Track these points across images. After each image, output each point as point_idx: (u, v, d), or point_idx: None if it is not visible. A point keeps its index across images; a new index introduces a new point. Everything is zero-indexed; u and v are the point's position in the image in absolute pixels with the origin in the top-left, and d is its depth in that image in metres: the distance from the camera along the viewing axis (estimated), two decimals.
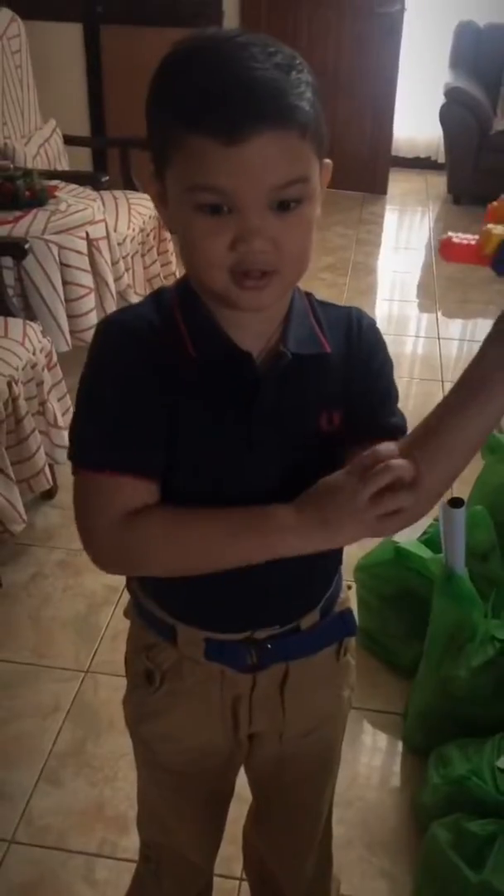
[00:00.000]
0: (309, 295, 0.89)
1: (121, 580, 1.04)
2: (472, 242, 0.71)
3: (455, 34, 5.14)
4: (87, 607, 2.09)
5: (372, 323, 0.91)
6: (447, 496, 1.44)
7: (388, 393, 0.90)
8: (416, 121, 5.57)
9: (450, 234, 0.71)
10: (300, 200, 0.73)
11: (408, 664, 1.83)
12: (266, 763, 1.07)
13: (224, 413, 0.83)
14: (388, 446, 0.74)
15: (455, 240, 0.71)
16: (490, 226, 0.71)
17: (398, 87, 5.00)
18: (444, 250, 0.72)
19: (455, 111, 4.83)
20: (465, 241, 0.71)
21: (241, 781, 1.14)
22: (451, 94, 4.83)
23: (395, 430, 0.87)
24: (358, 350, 0.88)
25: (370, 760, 1.78)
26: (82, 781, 1.68)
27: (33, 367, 2.14)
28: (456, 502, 1.49)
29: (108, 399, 0.81)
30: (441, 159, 5.50)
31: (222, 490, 0.82)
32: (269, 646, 0.95)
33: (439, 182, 5.39)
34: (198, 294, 0.82)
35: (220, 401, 0.82)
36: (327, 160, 0.79)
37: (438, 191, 5.36)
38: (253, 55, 0.70)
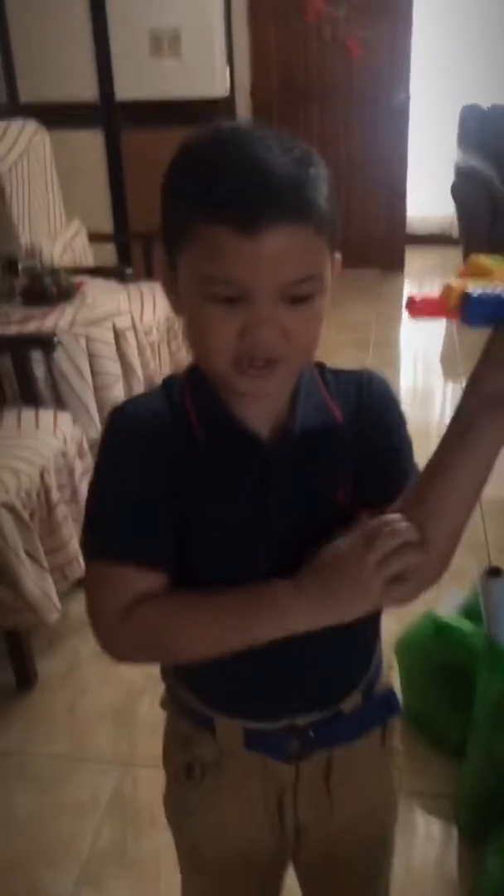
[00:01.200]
0: (320, 365, 0.89)
1: (158, 668, 1.03)
2: (437, 297, 0.72)
3: (461, 116, 5.31)
4: (125, 697, 2.06)
5: (382, 381, 0.90)
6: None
7: (401, 451, 0.88)
8: (428, 199, 5.72)
9: (412, 293, 0.72)
10: (312, 295, 0.74)
11: (456, 743, 1.77)
12: (315, 858, 1.02)
13: (236, 496, 0.82)
14: (392, 514, 0.73)
15: (418, 297, 0.72)
16: (451, 280, 0.72)
17: (409, 169, 5.15)
18: (410, 308, 0.73)
19: (466, 187, 4.95)
20: (428, 297, 0.72)
21: (291, 879, 1.10)
22: (462, 172, 4.96)
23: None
24: (368, 410, 0.87)
25: (423, 849, 1.70)
26: (124, 883, 1.62)
27: (64, 455, 2.17)
28: (495, 572, 1.46)
29: (115, 489, 0.82)
30: (455, 234, 5.61)
31: (238, 572, 0.80)
32: (311, 733, 0.92)
33: (455, 256, 5.48)
34: (206, 377, 0.83)
35: (231, 484, 0.82)
36: (338, 254, 0.80)
37: (455, 264, 5.44)
38: (270, 148, 0.71)
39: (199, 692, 0.94)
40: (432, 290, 0.73)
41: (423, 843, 1.71)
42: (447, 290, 0.71)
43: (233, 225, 0.69)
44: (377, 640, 0.98)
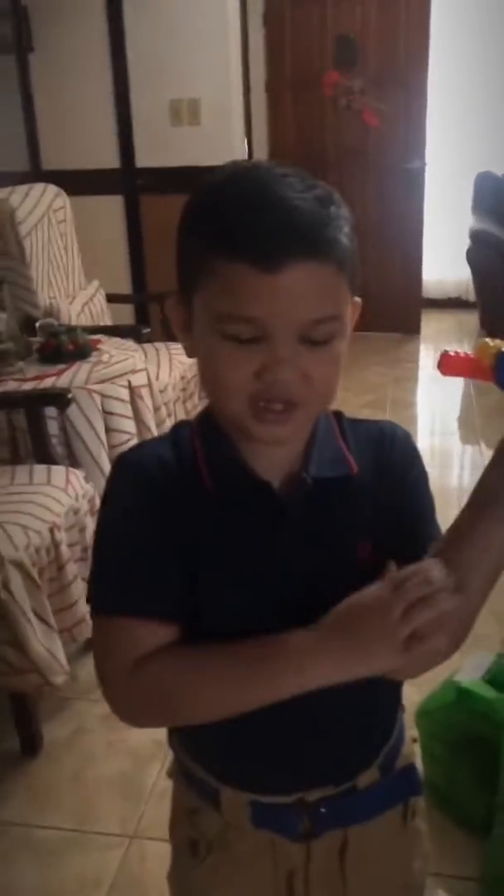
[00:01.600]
0: (338, 413, 0.85)
1: (166, 735, 0.97)
2: (471, 355, 0.69)
3: (476, 183, 5.40)
4: (133, 765, 1.97)
5: (405, 434, 0.86)
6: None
7: (424, 510, 0.84)
8: (443, 264, 5.78)
9: (446, 349, 0.70)
10: (332, 338, 0.71)
11: (481, 820, 1.67)
12: None
13: (247, 547, 0.78)
14: (428, 561, 0.69)
15: (452, 353, 0.69)
16: (487, 339, 0.70)
17: (425, 234, 5.22)
18: (443, 364, 0.70)
19: (481, 251, 4.99)
20: (462, 354, 0.70)
21: None
22: (477, 237, 5.02)
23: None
24: (389, 465, 0.83)
25: None
26: None
27: (76, 512, 2.13)
28: None
29: (121, 542, 0.78)
30: (471, 298, 5.65)
31: (248, 626, 0.75)
32: (323, 809, 0.85)
33: (471, 319, 5.51)
34: (218, 424, 0.79)
35: (242, 534, 0.78)
36: (357, 298, 0.77)
37: (471, 327, 5.46)
38: (292, 185, 0.69)
39: (204, 761, 0.88)
40: (464, 349, 0.71)
41: None
42: (483, 347, 0.68)
43: (252, 261, 0.66)
44: (398, 710, 0.92)
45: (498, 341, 0.69)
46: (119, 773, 1.96)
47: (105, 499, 0.81)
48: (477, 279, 5.19)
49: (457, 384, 4.63)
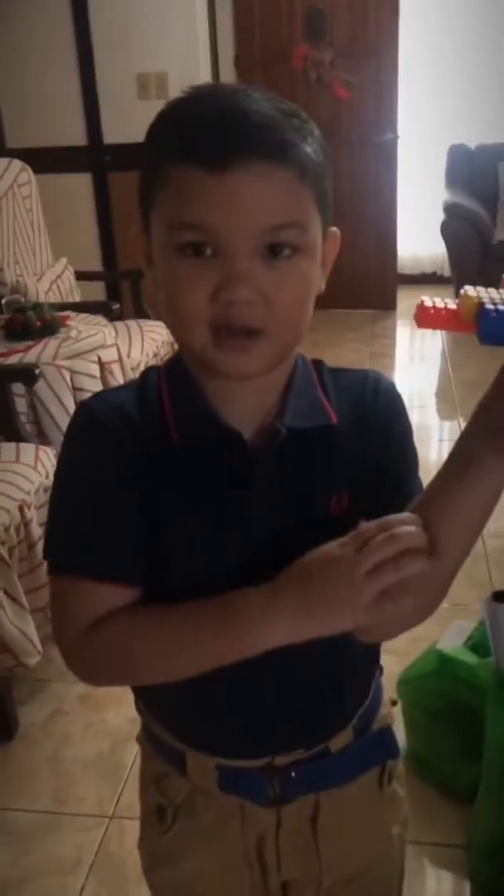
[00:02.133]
0: (318, 362, 0.80)
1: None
2: (450, 307, 0.63)
3: (448, 156, 5.36)
4: (111, 745, 1.94)
5: (390, 385, 0.81)
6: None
7: (408, 466, 0.79)
8: (418, 239, 5.73)
9: (423, 298, 0.64)
10: (295, 248, 0.66)
11: (466, 788, 1.64)
12: None
13: (215, 501, 0.73)
14: (400, 515, 0.64)
15: (428, 303, 0.63)
16: (468, 287, 0.65)
17: (399, 209, 5.17)
18: (421, 316, 0.64)
19: (456, 225, 4.95)
20: (441, 306, 0.64)
21: None
22: (451, 210, 4.98)
23: None
24: (373, 416, 0.77)
25: None
26: None
27: (46, 490, 2.08)
28: (500, 596, 1.36)
29: (78, 499, 0.74)
30: (446, 273, 5.61)
31: (216, 584, 0.70)
32: (293, 773, 0.81)
33: (446, 295, 5.44)
34: (186, 368, 0.74)
35: (209, 487, 0.73)
36: (335, 228, 0.73)
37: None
38: (254, 97, 0.65)
39: (170, 724, 0.84)
40: (445, 300, 0.65)
41: None
42: (465, 299, 0.63)
43: (201, 162, 0.62)
44: (375, 669, 0.88)
45: (480, 290, 0.65)
46: (97, 754, 1.92)
47: (64, 448, 0.76)
48: (452, 254, 5.15)
49: (434, 359, 4.61)
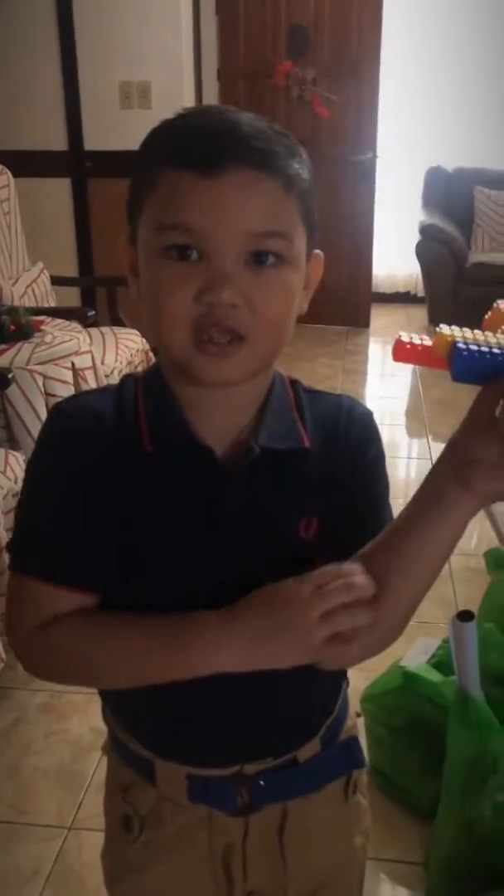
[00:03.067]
0: (295, 383, 0.81)
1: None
2: (426, 343, 0.65)
3: (426, 178, 5.43)
4: (72, 754, 1.92)
5: (365, 413, 0.81)
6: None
7: (377, 496, 0.80)
8: (393, 258, 5.79)
9: (401, 334, 0.66)
10: (280, 258, 0.67)
11: (426, 805, 1.66)
12: None
13: (185, 516, 0.73)
14: (352, 565, 0.66)
15: (405, 338, 0.66)
16: (443, 326, 0.67)
17: (375, 228, 5.22)
18: (398, 350, 0.66)
19: (431, 247, 5.02)
20: (417, 342, 0.66)
21: None
22: (427, 232, 5.04)
23: None
24: (345, 443, 0.78)
25: None
26: None
27: (14, 496, 2.06)
28: (465, 615, 1.38)
29: (45, 502, 0.74)
30: (420, 293, 5.68)
31: (194, 597, 0.71)
32: (262, 782, 0.81)
33: (420, 314, 5.54)
34: (164, 379, 0.74)
35: (180, 501, 0.73)
36: (318, 251, 0.74)
37: (420, 322, 5.49)
38: (243, 114, 0.67)
39: (138, 733, 0.84)
40: (421, 336, 0.67)
41: None
42: (440, 337, 0.65)
43: (190, 166, 0.64)
44: (342, 681, 0.89)
45: (454, 329, 0.66)
46: (58, 763, 1.90)
47: (36, 448, 0.76)
48: (426, 274, 5.22)
49: (405, 377, 4.65)
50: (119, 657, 0.72)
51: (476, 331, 0.67)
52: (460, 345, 0.63)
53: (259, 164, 0.64)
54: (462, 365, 0.63)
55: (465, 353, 0.63)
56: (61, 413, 0.75)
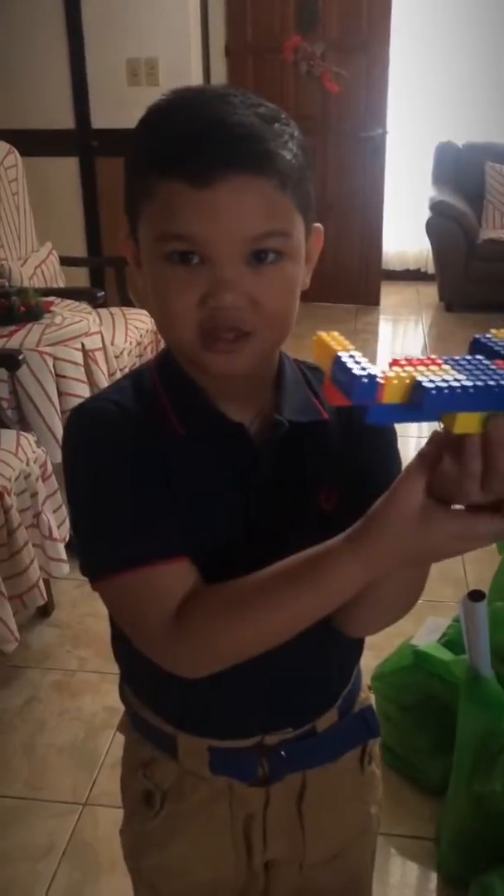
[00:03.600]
0: (298, 361, 0.82)
1: (119, 701, 0.94)
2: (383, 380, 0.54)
3: (436, 153, 5.38)
4: (86, 732, 1.94)
5: None
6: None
7: (395, 470, 0.79)
8: (403, 235, 5.75)
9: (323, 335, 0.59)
10: (280, 253, 0.67)
11: (436, 781, 1.67)
12: None
13: (219, 489, 0.75)
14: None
15: (345, 361, 0.55)
16: (322, 333, 0.59)
17: (385, 204, 5.18)
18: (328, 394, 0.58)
19: (441, 223, 4.98)
20: (378, 378, 0.54)
21: None
22: (437, 208, 5.00)
23: None
24: (358, 416, 0.79)
25: (401, 895, 1.59)
26: None
27: (27, 477, 2.07)
28: (476, 595, 1.39)
29: (107, 495, 0.72)
30: (430, 270, 5.64)
31: (219, 572, 0.72)
32: (283, 753, 0.84)
33: (430, 292, 5.51)
34: (179, 365, 0.75)
35: (214, 477, 0.75)
36: (318, 224, 0.74)
37: (430, 300, 5.46)
38: (233, 103, 0.66)
39: (160, 708, 0.85)
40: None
41: (402, 888, 1.61)
42: (319, 343, 0.59)
43: (185, 177, 0.64)
44: (360, 651, 0.91)
45: (336, 337, 0.59)
46: (72, 741, 1.92)
47: (70, 458, 0.75)
48: (436, 251, 5.17)
49: (414, 356, 4.63)
50: (265, 609, 0.68)
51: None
52: (426, 383, 0.53)
53: (252, 168, 0.64)
54: (432, 404, 0.53)
55: (434, 391, 0.53)
56: (84, 411, 0.76)
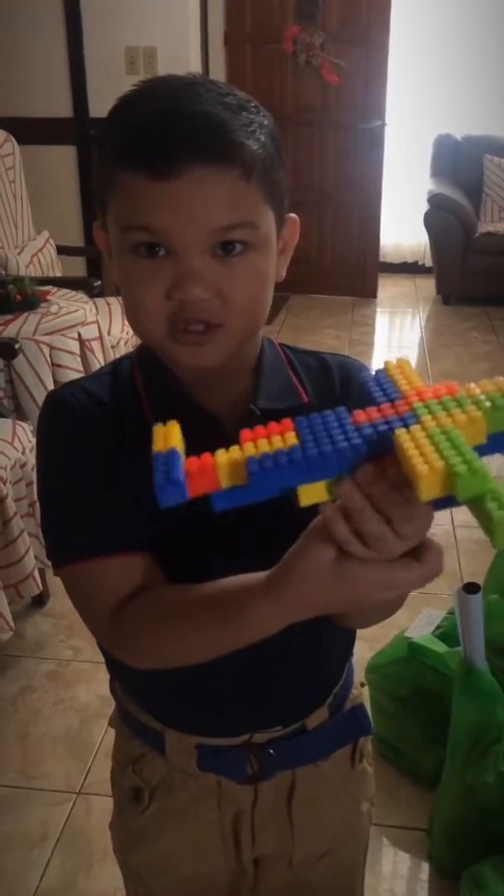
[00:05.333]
0: (283, 345, 0.81)
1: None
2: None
3: (434, 146, 5.36)
4: (80, 722, 1.94)
5: (360, 367, 0.80)
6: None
7: None
8: (401, 228, 5.73)
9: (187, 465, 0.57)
10: (246, 245, 0.66)
11: (429, 773, 1.68)
12: (276, 894, 0.92)
13: None
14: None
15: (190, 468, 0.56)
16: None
17: (383, 196, 5.17)
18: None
19: (439, 216, 4.97)
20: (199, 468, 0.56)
21: None
22: (435, 201, 4.98)
23: None
24: (343, 399, 0.75)
25: (393, 885, 1.60)
26: None
27: (23, 466, 2.07)
28: (471, 587, 1.39)
29: (62, 487, 0.73)
30: (428, 263, 5.63)
31: (194, 568, 0.71)
32: (272, 751, 0.82)
33: (427, 285, 5.50)
34: (157, 355, 0.75)
35: None
36: (293, 215, 0.73)
37: (427, 293, 5.46)
38: (198, 93, 0.65)
39: (149, 705, 0.85)
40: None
41: (393, 878, 1.62)
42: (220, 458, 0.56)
43: (145, 168, 0.63)
44: (351, 649, 0.90)
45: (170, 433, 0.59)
46: (66, 730, 1.93)
47: (38, 443, 0.76)
48: (434, 244, 5.16)
49: (412, 349, 4.63)
50: (192, 629, 0.69)
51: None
52: (250, 464, 0.53)
53: (214, 159, 0.63)
54: (261, 483, 0.53)
55: (258, 472, 0.53)
56: (53, 400, 0.76)
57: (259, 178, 0.66)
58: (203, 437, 0.72)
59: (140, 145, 0.63)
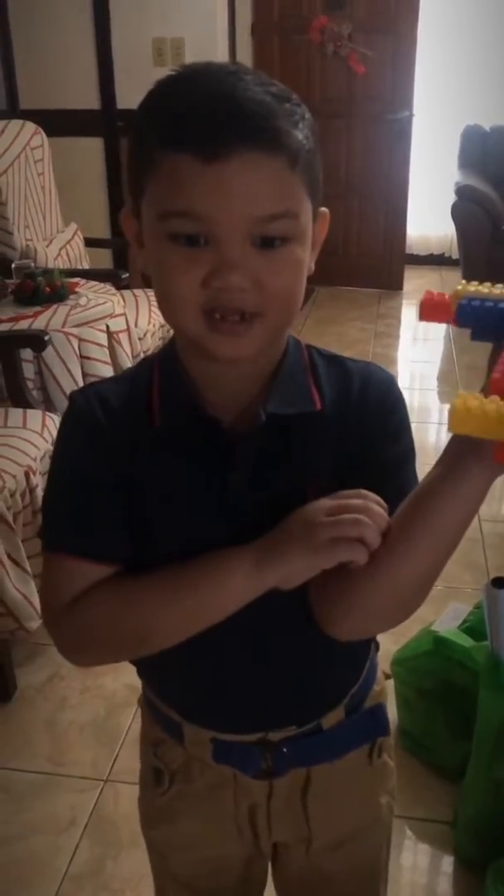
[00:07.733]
0: (311, 347, 0.80)
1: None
2: (446, 297, 0.64)
3: (462, 137, 5.31)
4: (107, 710, 1.97)
5: (385, 378, 0.78)
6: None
7: (401, 462, 0.76)
8: (428, 219, 5.70)
9: (430, 290, 0.66)
10: (287, 239, 0.66)
11: (455, 766, 1.68)
12: (295, 878, 0.93)
13: (196, 485, 0.74)
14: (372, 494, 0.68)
15: (431, 296, 0.65)
16: (461, 284, 0.65)
17: (410, 188, 5.14)
18: (422, 307, 0.66)
19: (467, 208, 4.93)
20: (437, 296, 0.66)
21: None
22: (462, 192, 4.94)
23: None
24: (359, 409, 0.75)
25: (417, 878, 1.61)
26: None
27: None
28: (499, 582, 1.39)
29: (61, 481, 0.77)
30: (454, 255, 5.59)
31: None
32: (285, 749, 0.83)
33: (454, 277, 5.46)
34: (177, 353, 0.75)
35: (188, 472, 0.74)
36: (324, 209, 0.72)
37: (453, 285, 5.39)
38: (245, 80, 0.64)
39: (165, 697, 0.86)
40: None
41: (417, 871, 1.62)
42: (454, 294, 0.64)
43: (193, 151, 0.61)
44: (370, 650, 0.90)
45: (475, 286, 0.64)
46: (93, 718, 1.95)
47: (57, 435, 0.80)
48: (461, 236, 5.13)
49: (437, 342, 4.61)
50: (150, 609, 0.72)
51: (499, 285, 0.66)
52: (463, 300, 0.63)
53: (263, 144, 0.62)
54: (462, 318, 0.63)
55: (464, 306, 0.62)
56: (78, 399, 0.78)
57: (303, 169, 0.65)
58: (205, 440, 0.73)
59: (189, 125, 0.62)
